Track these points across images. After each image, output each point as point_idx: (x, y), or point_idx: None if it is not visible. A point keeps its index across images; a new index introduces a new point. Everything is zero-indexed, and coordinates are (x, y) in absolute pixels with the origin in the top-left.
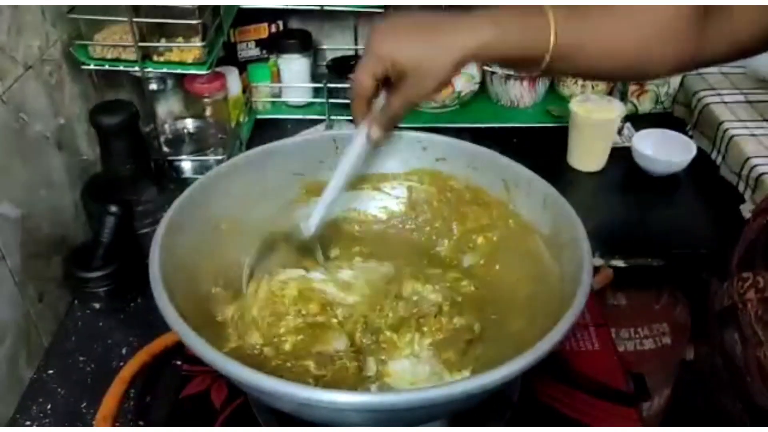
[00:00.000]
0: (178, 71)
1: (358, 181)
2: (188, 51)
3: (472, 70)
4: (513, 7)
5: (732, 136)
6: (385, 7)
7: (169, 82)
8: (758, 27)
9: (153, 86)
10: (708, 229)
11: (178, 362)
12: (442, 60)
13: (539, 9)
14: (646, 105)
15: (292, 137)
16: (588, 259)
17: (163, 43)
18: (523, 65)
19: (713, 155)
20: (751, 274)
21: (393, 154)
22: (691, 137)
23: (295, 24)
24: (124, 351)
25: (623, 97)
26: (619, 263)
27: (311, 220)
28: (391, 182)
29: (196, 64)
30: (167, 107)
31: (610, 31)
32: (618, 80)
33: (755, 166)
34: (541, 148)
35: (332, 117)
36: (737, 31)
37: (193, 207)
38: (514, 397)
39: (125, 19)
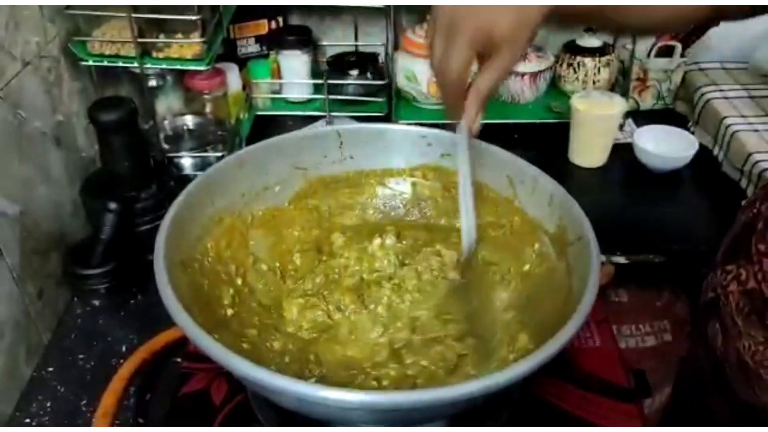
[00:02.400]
0: (178, 67)
1: (361, 177)
2: (187, 47)
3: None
4: None
5: (734, 132)
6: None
7: (169, 79)
8: None
9: (152, 82)
10: (710, 225)
11: (178, 360)
12: (533, 20)
13: None
14: (647, 101)
15: (297, 131)
16: (596, 258)
17: (162, 39)
18: (583, 18)
19: (715, 151)
20: (734, 267)
21: (397, 149)
22: (692, 133)
23: (295, 20)
24: (123, 348)
25: (624, 93)
26: (621, 259)
27: (465, 237)
28: (395, 178)
29: (196, 60)
30: (167, 104)
31: None
32: (656, 33)
33: (757, 161)
34: (543, 144)
35: (332, 113)
36: None
37: (198, 200)
38: (515, 395)
39: (124, 14)
